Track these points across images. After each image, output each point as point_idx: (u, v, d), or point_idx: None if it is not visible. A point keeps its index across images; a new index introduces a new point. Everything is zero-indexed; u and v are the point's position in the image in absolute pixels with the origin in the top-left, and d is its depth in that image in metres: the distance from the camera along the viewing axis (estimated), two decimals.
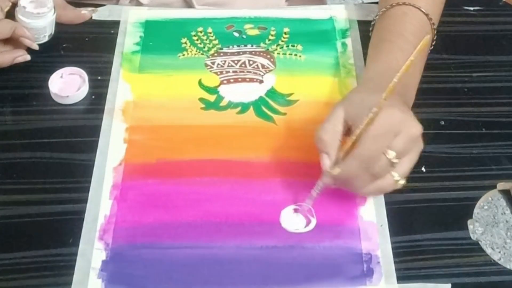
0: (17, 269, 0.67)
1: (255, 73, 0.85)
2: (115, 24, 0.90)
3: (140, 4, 0.94)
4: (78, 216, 0.70)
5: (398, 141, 0.65)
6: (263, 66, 0.86)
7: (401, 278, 0.67)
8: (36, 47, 0.83)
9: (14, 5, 0.82)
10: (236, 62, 0.86)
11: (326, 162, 0.67)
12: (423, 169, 0.76)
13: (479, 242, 0.71)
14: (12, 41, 0.82)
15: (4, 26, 0.80)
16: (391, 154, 0.65)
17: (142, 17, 0.91)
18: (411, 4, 0.80)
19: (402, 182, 0.67)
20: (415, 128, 0.66)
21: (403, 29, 0.78)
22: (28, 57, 0.82)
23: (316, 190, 0.69)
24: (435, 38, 0.82)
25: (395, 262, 0.68)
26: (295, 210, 0.71)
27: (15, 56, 0.81)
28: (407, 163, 0.67)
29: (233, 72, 0.85)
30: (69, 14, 0.89)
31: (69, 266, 0.67)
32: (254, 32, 0.90)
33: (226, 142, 0.78)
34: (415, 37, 0.78)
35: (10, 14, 0.82)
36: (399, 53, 0.75)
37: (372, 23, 0.84)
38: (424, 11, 0.79)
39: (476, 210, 0.73)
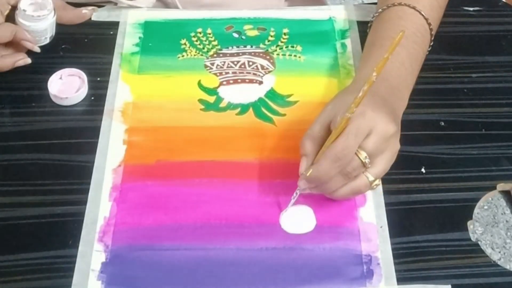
0: (17, 271, 0.67)
1: (255, 74, 0.85)
2: (115, 25, 0.90)
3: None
4: (77, 218, 0.70)
5: (369, 141, 0.65)
6: (262, 67, 0.86)
7: (401, 280, 0.67)
8: (37, 50, 0.83)
9: (14, 8, 0.82)
10: (235, 63, 0.86)
11: (303, 164, 0.67)
12: (423, 170, 0.76)
13: (479, 242, 0.71)
14: (13, 44, 0.82)
15: (5, 30, 0.80)
16: (363, 155, 0.65)
17: (141, 18, 0.91)
18: (407, 5, 0.79)
19: (377, 182, 0.68)
20: (387, 127, 0.66)
21: (395, 32, 0.77)
22: (28, 61, 0.82)
23: (294, 195, 0.69)
24: (432, 39, 0.81)
25: (395, 264, 0.68)
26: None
27: (15, 60, 0.81)
28: (381, 164, 0.67)
29: (233, 73, 0.85)
30: (69, 15, 0.88)
31: (68, 268, 0.67)
32: (254, 33, 0.90)
33: (225, 143, 0.78)
34: (407, 40, 0.77)
35: (10, 18, 0.82)
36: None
37: (369, 24, 0.84)
38: (419, 10, 0.79)
39: (476, 210, 0.73)
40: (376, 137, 0.65)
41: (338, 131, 0.64)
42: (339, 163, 0.64)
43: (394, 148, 0.68)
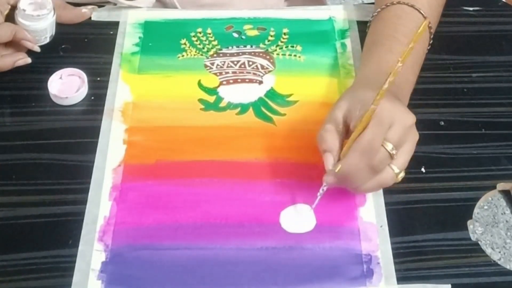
0: (17, 271, 0.67)
1: (255, 74, 0.85)
2: (115, 25, 0.90)
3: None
4: (77, 218, 0.70)
5: (393, 132, 0.65)
6: (262, 66, 0.86)
7: (401, 279, 0.67)
8: (38, 49, 0.83)
9: (14, 8, 0.82)
10: (235, 62, 0.86)
11: (330, 160, 0.67)
12: (422, 169, 0.76)
13: (479, 242, 0.71)
14: (13, 44, 0.82)
15: (5, 30, 0.80)
16: (389, 146, 0.65)
17: (141, 17, 0.91)
18: (406, 3, 0.80)
19: (402, 174, 0.68)
20: (407, 117, 0.66)
21: (395, 30, 0.78)
22: (28, 60, 0.82)
23: (321, 191, 0.69)
24: (431, 37, 0.81)
25: (395, 263, 0.68)
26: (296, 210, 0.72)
27: (15, 60, 0.81)
28: (404, 154, 0.67)
29: (233, 73, 0.85)
30: (69, 14, 0.88)
31: (68, 268, 0.67)
32: (254, 32, 0.90)
33: (225, 143, 0.78)
34: (407, 38, 0.77)
35: (10, 17, 0.82)
36: (389, 55, 0.75)
37: (368, 24, 0.84)
38: (418, 9, 0.79)
39: (476, 210, 0.73)
40: (399, 127, 0.65)
41: (363, 124, 0.64)
42: (366, 156, 0.64)
43: (414, 138, 0.68)
